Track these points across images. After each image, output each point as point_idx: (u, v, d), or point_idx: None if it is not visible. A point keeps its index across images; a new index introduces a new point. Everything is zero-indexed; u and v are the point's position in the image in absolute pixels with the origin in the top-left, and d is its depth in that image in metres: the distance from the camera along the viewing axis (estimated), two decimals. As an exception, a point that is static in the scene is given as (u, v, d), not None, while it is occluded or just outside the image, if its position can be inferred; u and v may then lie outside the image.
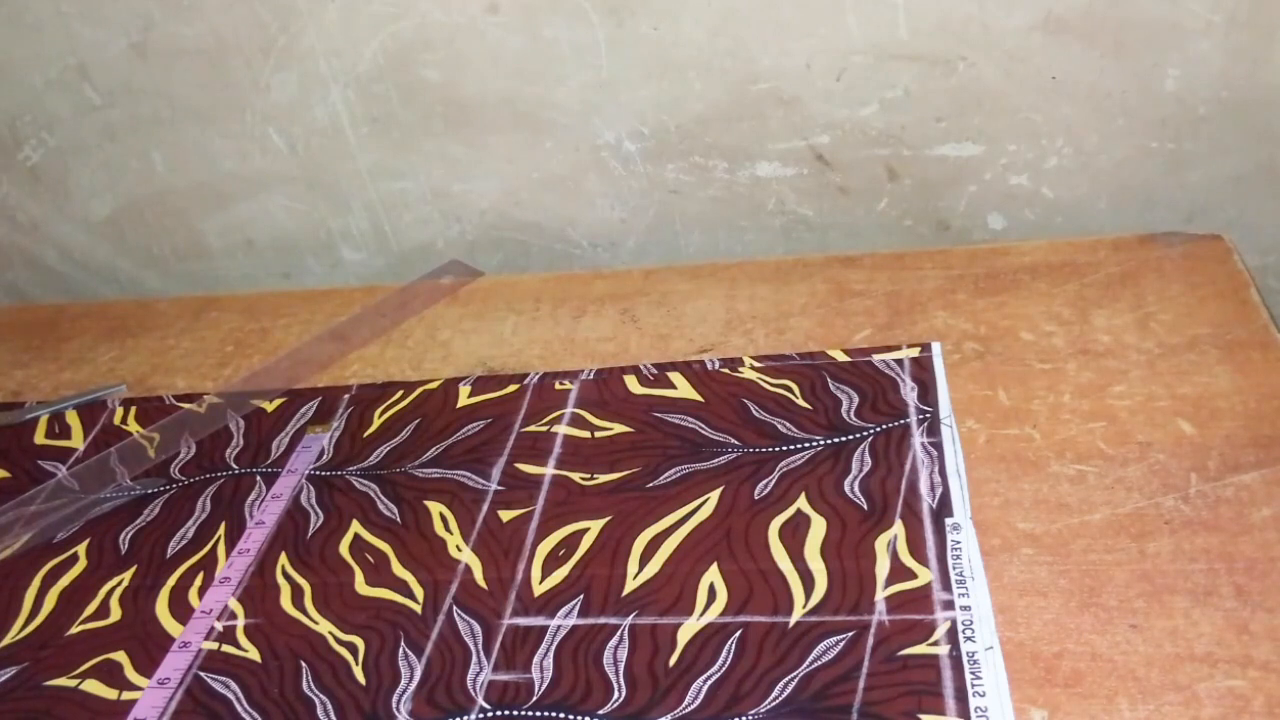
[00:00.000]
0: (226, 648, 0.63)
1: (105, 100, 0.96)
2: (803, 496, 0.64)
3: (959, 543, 0.59)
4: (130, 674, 0.62)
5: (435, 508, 0.69)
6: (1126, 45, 0.79)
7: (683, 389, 0.74)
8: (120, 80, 0.95)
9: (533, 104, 0.89)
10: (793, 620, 0.57)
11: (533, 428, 0.74)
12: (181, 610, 0.66)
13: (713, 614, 0.58)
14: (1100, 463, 0.62)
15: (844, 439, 0.67)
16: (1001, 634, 0.54)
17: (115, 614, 0.66)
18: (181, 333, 0.93)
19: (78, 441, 0.82)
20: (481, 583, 0.63)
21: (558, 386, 0.77)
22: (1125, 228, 0.82)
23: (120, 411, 0.84)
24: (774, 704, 0.53)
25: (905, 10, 0.79)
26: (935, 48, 0.81)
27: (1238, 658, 0.51)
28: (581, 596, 0.61)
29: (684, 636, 0.57)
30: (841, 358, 0.74)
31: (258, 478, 0.75)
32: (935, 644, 0.54)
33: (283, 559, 0.68)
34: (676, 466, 0.68)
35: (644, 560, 0.62)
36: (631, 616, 0.59)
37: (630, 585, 0.61)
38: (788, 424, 0.69)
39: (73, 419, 0.84)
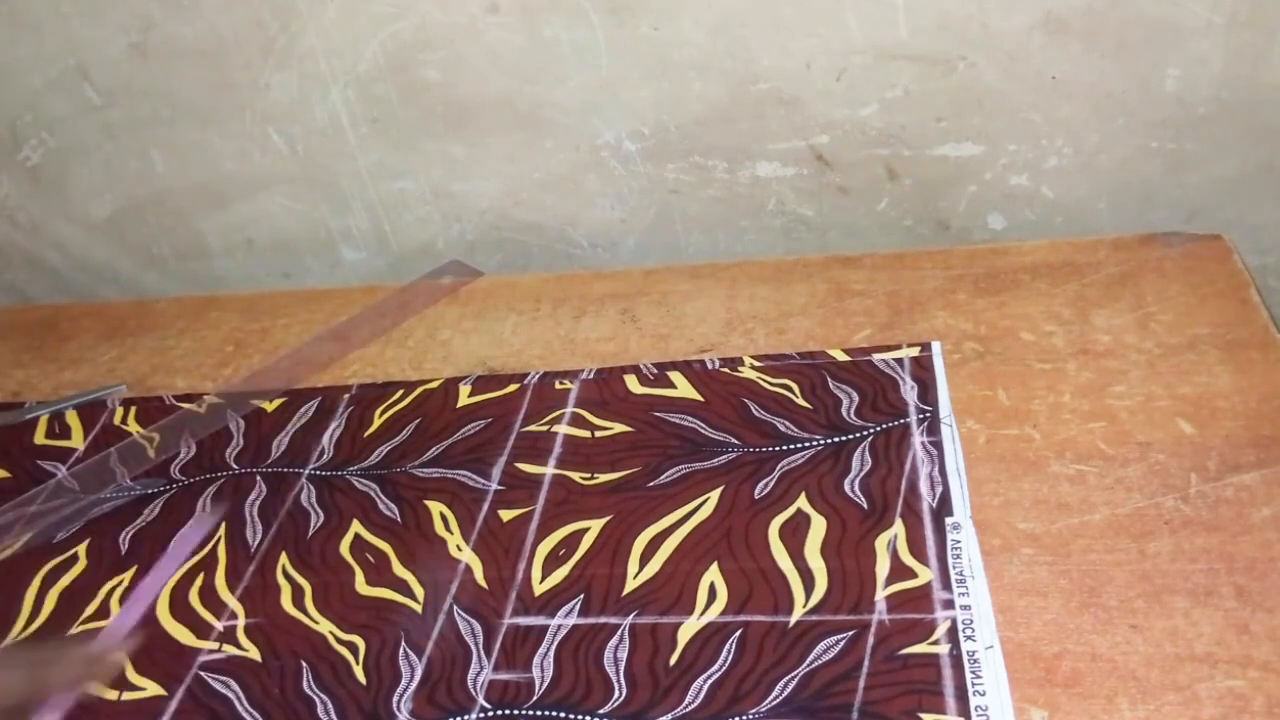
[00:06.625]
0: (227, 647, 0.63)
1: (105, 100, 0.96)
2: (803, 496, 0.64)
3: (959, 542, 0.59)
4: (131, 675, 0.62)
5: (435, 507, 0.69)
6: (1126, 45, 0.79)
7: (683, 388, 0.74)
8: (120, 80, 0.94)
9: (533, 104, 0.89)
10: (793, 620, 0.57)
11: (533, 427, 0.74)
12: (182, 611, 0.66)
13: (713, 613, 0.58)
14: (1100, 463, 0.62)
15: (844, 438, 0.67)
16: (1001, 634, 0.54)
17: (116, 614, 0.66)
18: (181, 333, 0.93)
19: (78, 441, 0.82)
20: (482, 582, 0.63)
21: (558, 386, 0.77)
22: (1125, 228, 0.82)
23: (120, 411, 0.84)
24: (774, 703, 0.53)
25: (905, 10, 0.79)
26: (935, 48, 0.81)
27: (1238, 658, 0.51)
28: (582, 596, 0.61)
29: (684, 636, 0.58)
30: (841, 357, 0.74)
31: (258, 477, 0.75)
32: (935, 643, 0.54)
33: (283, 559, 0.68)
34: (677, 466, 0.68)
35: (644, 560, 0.62)
36: (632, 616, 0.59)
37: (630, 585, 0.61)
38: (788, 423, 0.69)
39: (73, 419, 0.84)
